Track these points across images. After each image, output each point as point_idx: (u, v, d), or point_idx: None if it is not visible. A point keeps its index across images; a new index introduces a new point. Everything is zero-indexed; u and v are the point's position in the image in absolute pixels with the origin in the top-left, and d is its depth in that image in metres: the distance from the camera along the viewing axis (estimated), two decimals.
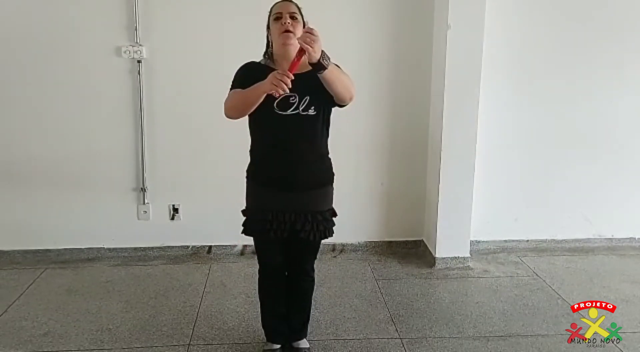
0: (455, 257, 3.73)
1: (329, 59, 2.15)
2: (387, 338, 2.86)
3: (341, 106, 2.36)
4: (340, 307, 3.18)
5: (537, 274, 3.64)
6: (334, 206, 2.53)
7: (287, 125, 2.32)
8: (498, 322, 3.02)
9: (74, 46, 3.61)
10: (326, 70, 2.15)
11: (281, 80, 2.05)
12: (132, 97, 3.68)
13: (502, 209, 3.98)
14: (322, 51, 2.10)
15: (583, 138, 3.94)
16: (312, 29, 2.07)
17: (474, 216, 3.74)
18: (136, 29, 3.58)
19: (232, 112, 2.31)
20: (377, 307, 3.18)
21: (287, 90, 2.08)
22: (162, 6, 3.60)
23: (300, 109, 2.30)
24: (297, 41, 2.16)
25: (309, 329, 2.76)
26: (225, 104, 2.32)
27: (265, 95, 2.17)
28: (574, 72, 3.86)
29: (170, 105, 3.72)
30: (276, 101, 2.26)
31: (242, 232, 2.49)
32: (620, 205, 4.06)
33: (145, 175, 3.78)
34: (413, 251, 3.98)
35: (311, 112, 2.32)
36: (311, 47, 2.03)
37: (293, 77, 2.07)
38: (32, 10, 3.54)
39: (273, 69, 2.25)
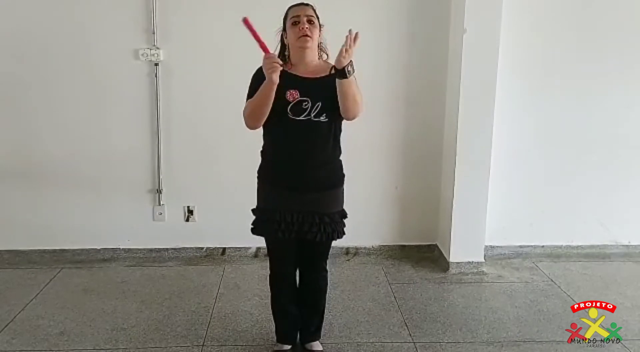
0: (470, 262, 3.71)
1: (353, 71, 2.21)
2: (400, 342, 2.85)
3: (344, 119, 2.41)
4: (354, 311, 3.17)
5: (552, 280, 3.61)
6: (347, 208, 2.54)
7: (299, 130, 2.35)
8: (512, 328, 3.00)
9: (91, 48, 3.65)
10: (346, 80, 2.20)
11: (269, 62, 2.18)
12: (149, 99, 3.71)
13: (518, 214, 3.95)
14: (350, 61, 2.16)
15: (600, 143, 3.90)
16: (356, 34, 2.12)
17: (488, 220, 3.72)
18: (154, 32, 3.61)
19: (251, 120, 2.35)
20: (391, 311, 3.18)
21: (280, 65, 2.20)
22: (180, 9, 3.63)
23: (312, 114, 2.32)
24: (314, 45, 2.32)
25: (322, 331, 2.77)
26: (243, 115, 2.35)
27: (275, 92, 2.23)
28: (590, 76, 3.82)
29: (186, 108, 3.75)
30: (289, 106, 2.30)
31: (251, 231, 2.52)
32: (637, 211, 4.01)
33: (161, 177, 3.80)
34: (427, 255, 3.97)
35: (323, 119, 2.34)
36: (272, 71, 2.18)
37: (270, 52, 2.23)
38: (50, 13, 3.59)
39: (287, 72, 2.30)
